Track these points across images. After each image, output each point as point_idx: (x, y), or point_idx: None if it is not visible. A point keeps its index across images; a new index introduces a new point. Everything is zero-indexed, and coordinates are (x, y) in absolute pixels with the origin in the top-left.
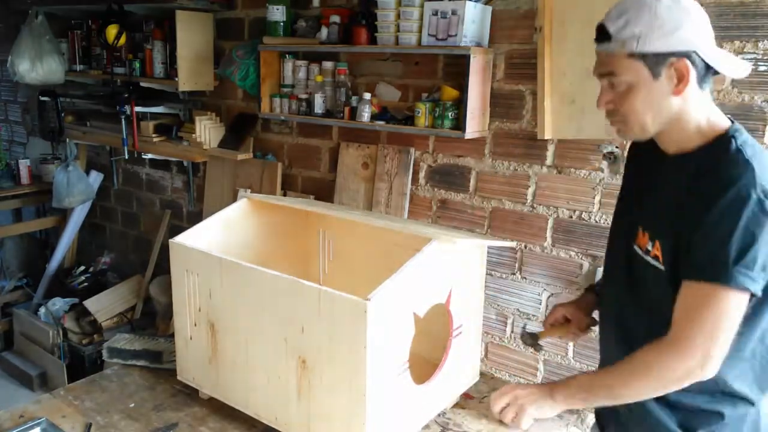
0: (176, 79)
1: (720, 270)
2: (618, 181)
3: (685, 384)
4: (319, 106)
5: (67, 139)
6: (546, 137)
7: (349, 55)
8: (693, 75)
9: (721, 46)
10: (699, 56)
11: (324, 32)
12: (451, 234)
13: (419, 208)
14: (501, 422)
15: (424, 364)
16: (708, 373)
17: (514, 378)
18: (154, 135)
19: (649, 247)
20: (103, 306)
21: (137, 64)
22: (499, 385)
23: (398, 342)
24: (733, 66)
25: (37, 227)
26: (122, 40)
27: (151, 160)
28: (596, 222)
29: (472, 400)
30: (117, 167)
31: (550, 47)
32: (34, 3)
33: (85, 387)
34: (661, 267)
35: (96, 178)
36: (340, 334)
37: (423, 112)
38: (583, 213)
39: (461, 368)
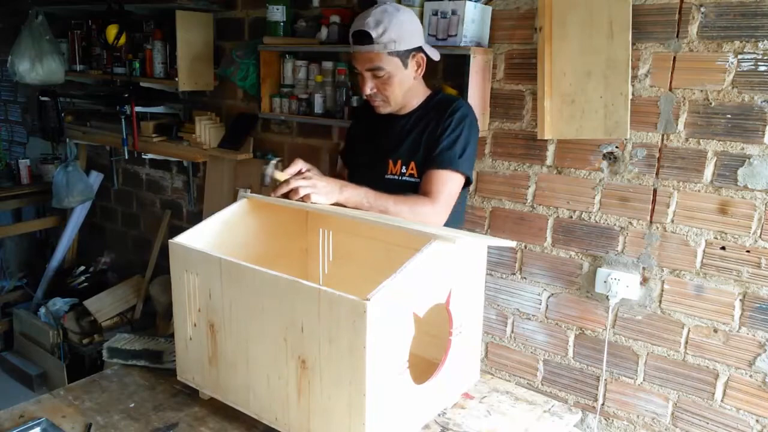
0: (176, 79)
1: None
2: (617, 180)
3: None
4: (319, 106)
5: (67, 139)
6: (546, 137)
7: (349, 55)
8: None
9: (721, 46)
10: (423, 49)
11: (324, 32)
12: (452, 234)
13: None
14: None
15: (424, 364)
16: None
17: (514, 378)
18: (154, 135)
19: (404, 170)
20: (103, 306)
21: (137, 64)
22: (499, 385)
23: (398, 342)
24: (434, 53)
25: (37, 227)
26: (122, 40)
27: (151, 160)
28: (596, 222)
29: (472, 400)
30: (117, 167)
31: (550, 47)
32: (34, 3)
33: (85, 387)
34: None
35: (96, 178)
36: (340, 334)
37: None
38: (583, 213)
39: (461, 368)
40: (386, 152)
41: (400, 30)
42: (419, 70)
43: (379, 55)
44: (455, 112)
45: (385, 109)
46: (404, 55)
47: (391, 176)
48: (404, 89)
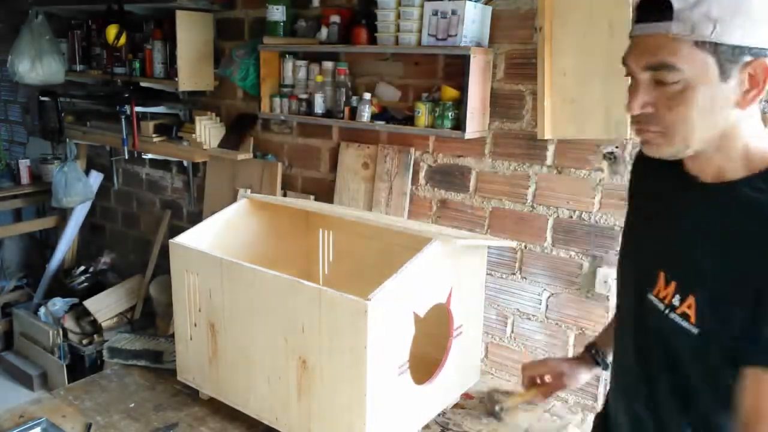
0: (176, 79)
1: None
2: (617, 180)
3: None
4: (319, 106)
5: (67, 139)
6: (546, 137)
7: (349, 55)
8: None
9: None
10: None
11: (324, 32)
12: (452, 234)
13: (419, 208)
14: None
15: (424, 364)
16: None
17: (514, 378)
18: (154, 135)
19: (676, 302)
20: (103, 306)
21: (137, 64)
22: (499, 385)
23: (398, 342)
24: None
25: (37, 227)
26: (122, 40)
27: (151, 160)
28: (596, 222)
29: (472, 400)
30: (117, 167)
31: (550, 47)
32: (34, 3)
33: (85, 387)
34: (694, 331)
35: (96, 178)
36: (341, 334)
37: (423, 112)
38: (583, 213)
39: (461, 368)
40: (658, 254)
41: (738, 5)
42: (752, 94)
43: (675, 44)
44: None
45: (658, 150)
46: (727, 55)
47: (655, 300)
48: (710, 123)
